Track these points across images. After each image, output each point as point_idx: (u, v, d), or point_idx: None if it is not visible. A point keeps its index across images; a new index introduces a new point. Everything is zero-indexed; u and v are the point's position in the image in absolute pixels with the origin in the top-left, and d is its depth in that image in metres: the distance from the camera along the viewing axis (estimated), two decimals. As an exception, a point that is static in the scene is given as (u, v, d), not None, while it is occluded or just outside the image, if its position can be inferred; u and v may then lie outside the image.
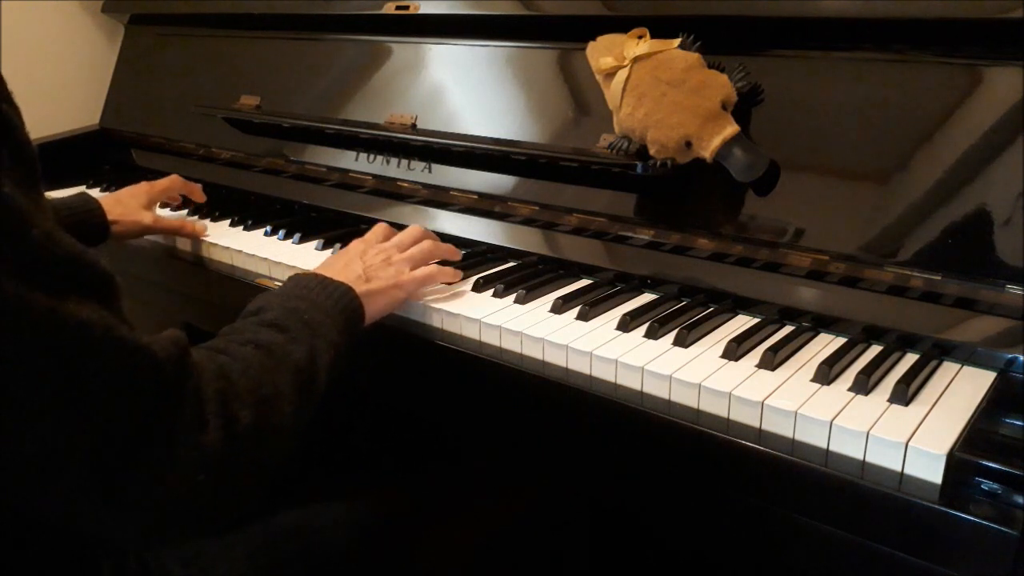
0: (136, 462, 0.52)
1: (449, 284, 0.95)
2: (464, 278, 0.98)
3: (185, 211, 1.33)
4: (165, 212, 1.31)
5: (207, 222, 1.27)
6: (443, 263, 0.96)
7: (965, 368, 0.75)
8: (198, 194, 1.31)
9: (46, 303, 0.48)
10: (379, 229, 0.96)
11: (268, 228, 1.20)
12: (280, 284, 1.06)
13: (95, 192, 1.51)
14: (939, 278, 0.78)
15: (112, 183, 1.53)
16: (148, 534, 0.56)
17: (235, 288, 1.13)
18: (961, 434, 0.64)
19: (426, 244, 0.93)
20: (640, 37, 0.91)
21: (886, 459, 0.63)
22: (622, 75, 0.90)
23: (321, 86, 1.35)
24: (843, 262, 0.83)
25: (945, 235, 0.78)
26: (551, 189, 1.05)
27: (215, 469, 0.56)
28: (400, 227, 1.18)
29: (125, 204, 1.17)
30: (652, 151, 0.90)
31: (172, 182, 1.27)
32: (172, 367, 0.55)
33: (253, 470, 0.60)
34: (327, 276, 0.79)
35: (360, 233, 1.18)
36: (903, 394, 0.68)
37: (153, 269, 1.24)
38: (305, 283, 0.78)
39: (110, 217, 1.13)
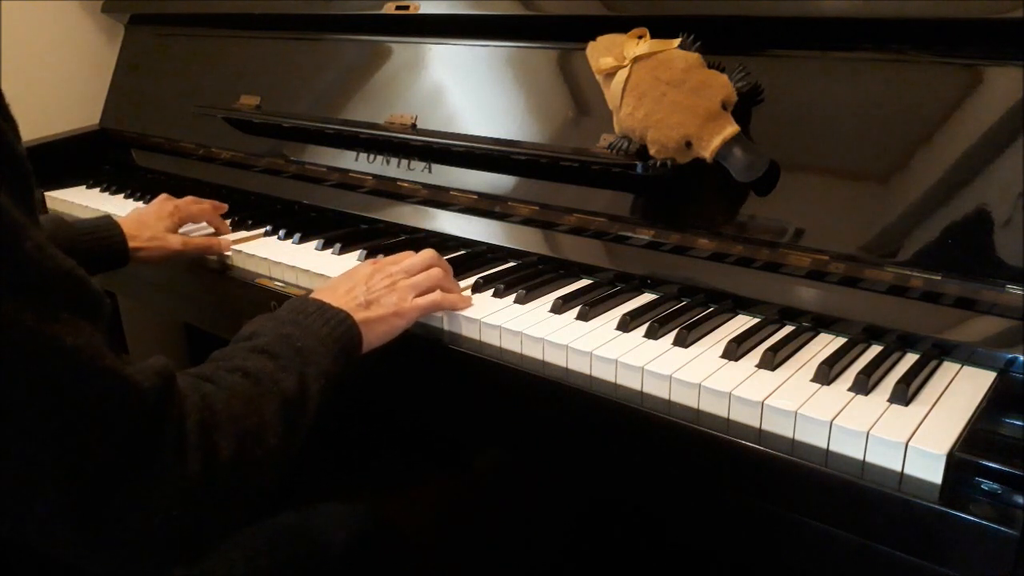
0: (112, 493, 0.52)
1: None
2: (464, 278, 0.98)
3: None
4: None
5: (231, 242, 1.19)
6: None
7: (965, 368, 0.75)
8: (221, 210, 1.25)
9: (34, 322, 0.48)
10: (404, 255, 0.93)
11: (268, 228, 1.20)
12: (280, 284, 1.07)
13: (94, 192, 1.52)
14: (939, 278, 0.78)
15: (112, 183, 1.53)
16: (120, 565, 0.55)
17: (235, 288, 1.13)
18: (961, 434, 0.64)
19: (434, 272, 0.90)
20: (640, 37, 0.92)
21: (886, 459, 0.63)
22: (622, 75, 0.90)
23: (321, 86, 1.35)
24: (843, 262, 0.83)
25: (945, 235, 0.78)
26: (551, 189, 1.05)
27: (192, 502, 0.55)
28: (400, 227, 1.19)
29: (152, 228, 1.11)
30: (652, 151, 0.90)
31: (202, 211, 1.20)
32: (154, 398, 0.54)
33: (232, 502, 0.59)
34: (326, 302, 0.78)
35: (360, 233, 1.19)
36: (903, 394, 0.68)
37: (153, 269, 1.24)
38: (302, 308, 0.76)
39: (135, 244, 1.08)
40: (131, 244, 1.08)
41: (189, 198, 1.21)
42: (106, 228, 1.07)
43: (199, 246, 1.15)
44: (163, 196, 1.20)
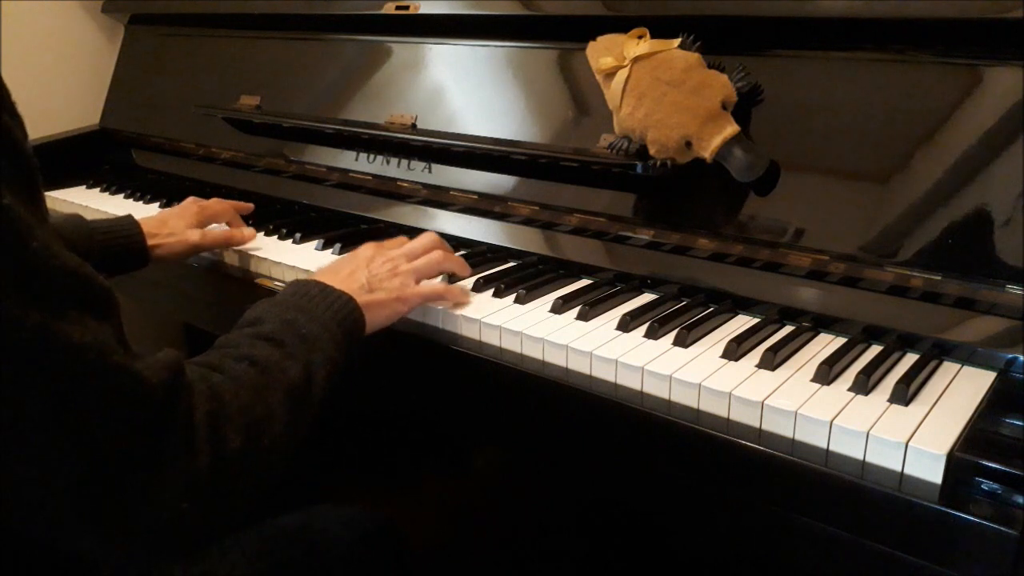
0: (122, 488, 0.52)
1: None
2: (464, 278, 0.98)
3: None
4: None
5: (255, 233, 1.19)
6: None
7: (965, 368, 0.75)
8: (243, 211, 1.22)
9: (41, 320, 0.48)
10: (399, 240, 0.93)
11: (268, 228, 1.20)
12: (279, 284, 1.07)
13: (94, 192, 1.52)
14: (939, 278, 0.78)
15: (112, 183, 1.53)
16: (131, 557, 0.56)
17: (235, 288, 1.13)
18: (961, 434, 0.64)
19: (435, 255, 0.90)
20: (640, 37, 0.92)
21: (886, 459, 0.63)
22: (622, 75, 0.90)
23: (321, 86, 1.35)
24: (843, 262, 0.83)
25: (945, 235, 0.78)
26: (551, 189, 1.05)
27: (202, 495, 0.55)
28: (400, 227, 1.19)
29: (171, 226, 1.11)
30: (652, 151, 0.90)
31: (223, 209, 1.18)
32: (163, 392, 0.54)
33: (239, 493, 0.59)
34: (329, 285, 0.78)
35: (360, 233, 1.19)
36: (903, 394, 0.68)
37: (152, 269, 1.24)
38: (306, 291, 0.76)
39: (154, 241, 1.07)
40: (150, 242, 1.07)
41: (215, 199, 1.20)
42: (124, 227, 1.06)
43: (217, 239, 1.13)
44: (191, 199, 1.18)
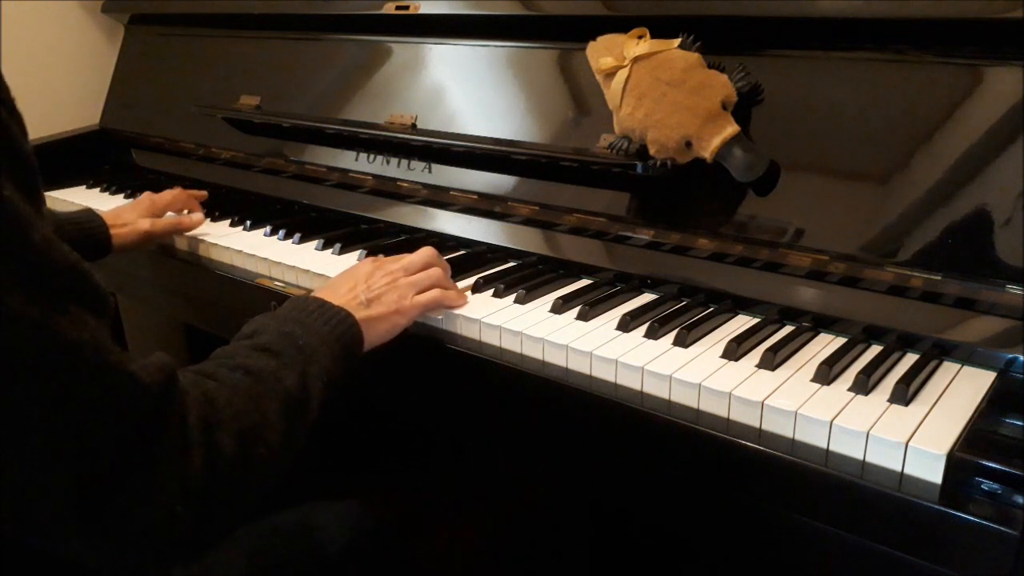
0: (116, 488, 0.52)
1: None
2: (464, 278, 0.98)
3: (185, 211, 1.32)
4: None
5: (203, 218, 1.25)
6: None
7: (965, 368, 0.75)
8: (199, 198, 1.30)
9: (41, 316, 0.48)
10: (397, 256, 0.94)
11: (268, 228, 1.20)
12: (280, 284, 1.07)
13: (94, 192, 1.52)
14: (939, 278, 0.78)
15: (112, 183, 1.53)
16: (124, 560, 0.55)
17: (235, 288, 1.13)
18: (961, 434, 0.64)
19: (434, 271, 0.90)
20: (640, 37, 0.92)
21: (886, 459, 0.63)
22: (622, 75, 0.90)
23: (321, 86, 1.35)
24: (843, 262, 0.83)
25: (945, 235, 0.78)
26: (551, 189, 1.05)
27: (195, 499, 0.55)
28: (400, 227, 1.19)
29: (125, 217, 1.17)
30: (652, 151, 0.90)
31: (175, 196, 1.25)
32: (157, 394, 0.54)
33: (234, 500, 0.59)
34: (327, 300, 0.78)
35: (360, 233, 1.19)
36: (903, 394, 0.68)
37: (153, 269, 1.25)
38: (304, 306, 0.76)
39: (112, 231, 1.13)
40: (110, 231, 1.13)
41: (168, 190, 1.26)
42: (89, 219, 1.12)
43: (168, 225, 1.20)
44: (145, 193, 1.26)
